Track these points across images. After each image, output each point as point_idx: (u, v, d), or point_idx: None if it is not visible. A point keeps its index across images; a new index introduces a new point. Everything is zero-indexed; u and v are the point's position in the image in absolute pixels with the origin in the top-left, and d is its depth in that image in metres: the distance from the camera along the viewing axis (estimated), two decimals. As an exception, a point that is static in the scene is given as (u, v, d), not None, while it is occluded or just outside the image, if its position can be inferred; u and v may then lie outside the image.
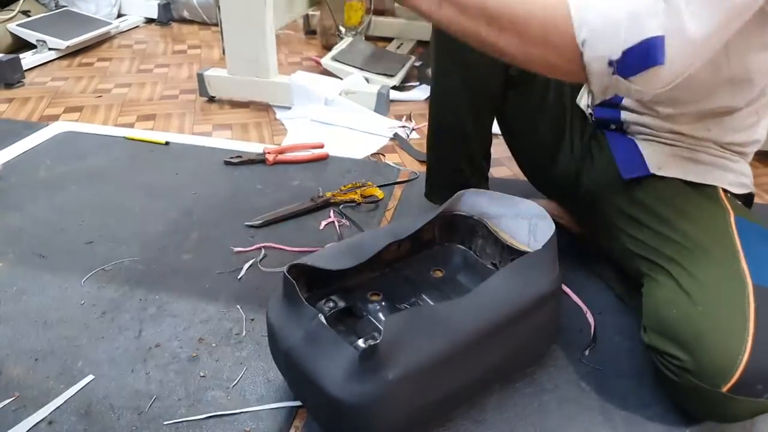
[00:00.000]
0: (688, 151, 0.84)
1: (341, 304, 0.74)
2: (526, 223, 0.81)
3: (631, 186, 0.86)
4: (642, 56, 0.53)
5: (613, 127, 0.90)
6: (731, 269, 0.70)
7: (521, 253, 0.76)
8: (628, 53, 0.53)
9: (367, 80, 1.89)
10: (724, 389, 0.63)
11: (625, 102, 0.87)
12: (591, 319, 0.89)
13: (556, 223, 1.09)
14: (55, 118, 1.67)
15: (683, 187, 0.82)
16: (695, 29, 0.53)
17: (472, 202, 0.85)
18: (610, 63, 0.54)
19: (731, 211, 0.78)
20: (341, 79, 1.87)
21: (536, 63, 0.58)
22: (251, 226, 1.12)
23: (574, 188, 0.98)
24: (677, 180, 0.83)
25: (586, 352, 0.83)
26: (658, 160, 0.84)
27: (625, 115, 0.88)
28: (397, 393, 0.60)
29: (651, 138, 0.86)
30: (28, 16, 2.24)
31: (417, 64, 2.04)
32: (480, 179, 1.08)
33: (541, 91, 0.96)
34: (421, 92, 1.89)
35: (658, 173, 0.83)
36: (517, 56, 0.59)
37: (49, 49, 2.13)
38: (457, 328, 0.64)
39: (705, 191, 0.81)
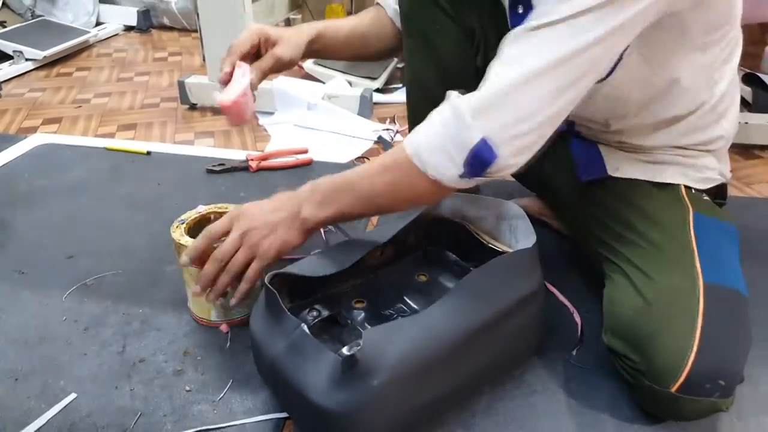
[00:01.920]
0: (645, 155, 0.85)
1: (325, 313, 0.74)
2: (507, 224, 0.81)
3: (591, 186, 0.87)
4: (478, 162, 0.64)
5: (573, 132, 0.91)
6: (684, 269, 0.71)
7: (503, 253, 0.76)
8: (467, 166, 0.64)
9: (349, 83, 1.88)
10: (673, 389, 0.65)
11: (573, 119, 0.87)
12: (578, 319, 0.89)
13: (541, 222, 1.10)
14: (33, 130, 1.64)
15: (643, 186, 0.83)
16: (503, 119, 0.63)
17: (453, 205, 0.85)
18: (461, 176, 0.65)
19: (691, 209, 0.79)
20: (324, 83, 1.87)
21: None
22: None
23: (543, 186, 0.99)
24: (637, 179, 0.83)
25: (574, 353, 0.83)
26: (616, 162, 0.86)
27: (578, 128, 0.89)
28: (383, 399, 0.60)
29: (608, 146, 0.88)
30: (4, 26, 2.21)
31: (400, 65, 2.04)
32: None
33: None
34: (404, 94, 1.88)
35: (615, 174, 0.85)
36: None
37: (26, 59, 2.10)
38: (439, 331, 0.63)
39: (665, 189, 0.82)
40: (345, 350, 0.67)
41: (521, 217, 0.79)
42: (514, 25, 0.66)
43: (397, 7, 0.94)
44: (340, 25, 0.95)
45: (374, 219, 1.19)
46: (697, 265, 0.71)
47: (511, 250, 0.78)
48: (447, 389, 0.67)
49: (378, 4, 0.99)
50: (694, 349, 0.65)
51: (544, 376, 0.79)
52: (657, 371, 0.66)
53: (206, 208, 0.91)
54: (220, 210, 0.91)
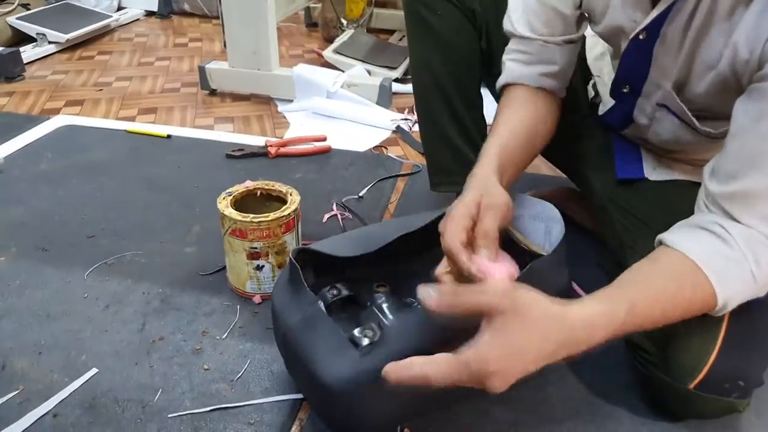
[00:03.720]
0: (688, 165, 0.84)
1: (344, 292, 0.74)
2: (543, 225, 0.80)
3: (625, 181, 0.86)
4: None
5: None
6: None
7: (535, 254, 0.76)
8: None
9: (369, 72, 1.88)
10: (691, 386, 0.64)
11: (632, 132, 0.86)
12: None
13: (568, 218, 1.08)
14: (56, 111, 1.66)
15: (676, 185, 0.82)
16: None
17: None
18: None
19: None
20: (343, 71, 1.87)
21: None
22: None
23: (574, 166, 0.98)
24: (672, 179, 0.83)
25: (591, 345, 0.83)
26: (655, 161, 0.85)
27: (627, 132, 0.88)
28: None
29: (652, 151, 0.87)
30: (28, 9, 2.23)
31: (419, 56, 2.03)
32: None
33: None
34: (423, 85, 1.88)
35: (652, 177, 0.84)
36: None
37: (49, 42, 2.12)
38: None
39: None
40: (357, 332, 0.67)
41: (557, 220, 0.78)
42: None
43: (548, 70, 0.82)
44: (510, 143, 0.77)
45: (391, 207, 1.19)
46: None
47: (543, 253, 0.78)
48: None
49: (511, 84, 0.83)
50: (717, 347, 0.64)
51: (560, 367, 0.79)
52: (675, 367, 0.66)
53: (253, 184, 0.93)
54: (267, 187, 0.93)
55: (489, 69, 0.95)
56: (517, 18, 0.80)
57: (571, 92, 0.95)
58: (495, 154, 0.74)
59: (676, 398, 0.68)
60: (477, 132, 0.98)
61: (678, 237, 0.62)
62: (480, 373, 0.49)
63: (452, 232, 0.63)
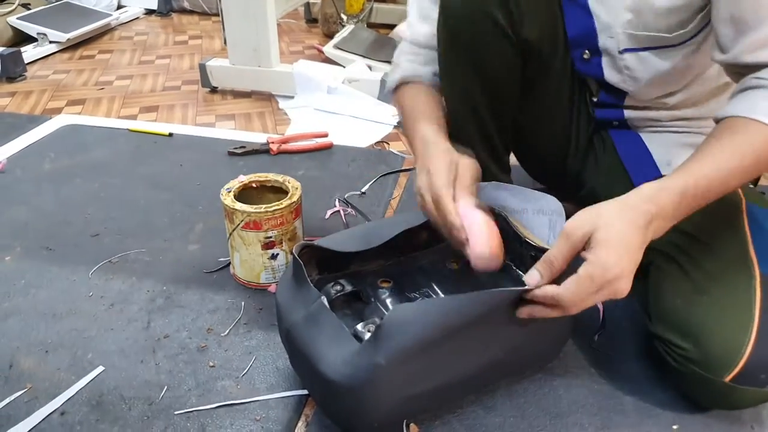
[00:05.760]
0: (696, 137, 0.82)
1: (348, 288, 0.74)
2: (546, 218, 0.79)
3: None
4: None
5: (616, 123, 0.89)
6: (738, 259, 0.70)
7: (540, 249, 0.75)
8: None
9: (369, 68, 1.87)
10: (727, 379, 0.64)
11: (629, 101, 0.85)
12: (600, 305, 0.89)
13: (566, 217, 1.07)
14: (57, 111, 1.66)
15: None
16: None
17: (494, 195, 0.84)
18: None
19: (743, 198, 0.77)
20: (344, 67, 1.87)
21: None
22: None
23: (579, 188, 0.96)
24: None
25: (596, 338, 0.83)
26: (666, 154, 0.83)
27: (628, 113, 0.87)
28: (389, 378, 0.60)
29: (657, 129, 0.85)
30: (28, 9, 2.23)
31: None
32: (505, 177, 1.02)
33: (553, 94, 0.92)
34: (424, 79, 1.87)
35: (666, 172, 0.82)
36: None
37: (50, 42, 2.13)
38: (454, 319, 0.63)
39: None
40: (360, 326, 0.68)
41: (560, 213, 0.78)
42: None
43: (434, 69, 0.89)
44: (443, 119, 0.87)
45: (393, 203, 1.19)
46: (752, 255, 0.70)
47: (547, 246, 0.77)
48: (460, 377, 0.67)
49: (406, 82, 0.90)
50: (752, 339, 0.63)
51: (565, 360, 0.79)
52: (711, 360, 0.65)
53: (247, 178, 0.95)
54: (260, 179, 0.95)
55: (531, 95, 0.92)
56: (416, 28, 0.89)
57: (563, 136, 0.95)
58: (441, 128, 0.81)
59: (711, 392, 0.67)
60: (503, 149, 0.98)
61: (729, 108, 0.66)
62: (605, 280, 0.58)
63: (441, 182, 0.70)
